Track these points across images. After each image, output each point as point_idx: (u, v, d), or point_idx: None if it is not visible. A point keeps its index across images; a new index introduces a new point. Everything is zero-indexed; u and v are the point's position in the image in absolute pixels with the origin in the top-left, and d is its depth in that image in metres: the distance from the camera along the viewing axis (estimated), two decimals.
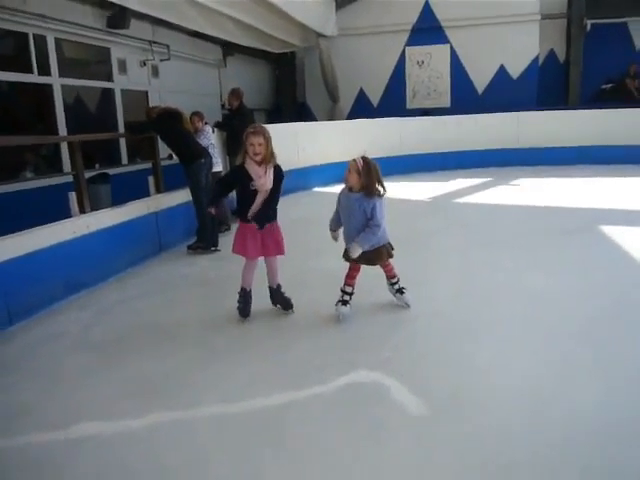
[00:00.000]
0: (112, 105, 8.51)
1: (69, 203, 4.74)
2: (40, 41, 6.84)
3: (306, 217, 7.11)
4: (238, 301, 3.77)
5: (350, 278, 3.68)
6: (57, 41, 7.14)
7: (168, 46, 9.41)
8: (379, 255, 3.60)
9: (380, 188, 3.48)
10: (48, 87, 7.09)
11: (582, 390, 2.68)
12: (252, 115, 7.54)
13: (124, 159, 8.51)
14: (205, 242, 5.65)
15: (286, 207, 7.73)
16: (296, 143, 9.76)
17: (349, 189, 3.53)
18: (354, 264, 3.66)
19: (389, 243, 3.66)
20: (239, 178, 3.58)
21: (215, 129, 7.05)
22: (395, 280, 3.79)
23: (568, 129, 11.39)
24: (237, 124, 7.07)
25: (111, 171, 7.58)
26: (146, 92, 9.26)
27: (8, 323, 3.81)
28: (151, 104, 8.97)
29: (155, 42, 9.12)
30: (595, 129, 11.25)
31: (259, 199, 3.56)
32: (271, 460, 2.27)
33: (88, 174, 5.60)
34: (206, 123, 6.56)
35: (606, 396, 2.62)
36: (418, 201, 8.24)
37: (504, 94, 13.12)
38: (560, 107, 12.36)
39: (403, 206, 7.56)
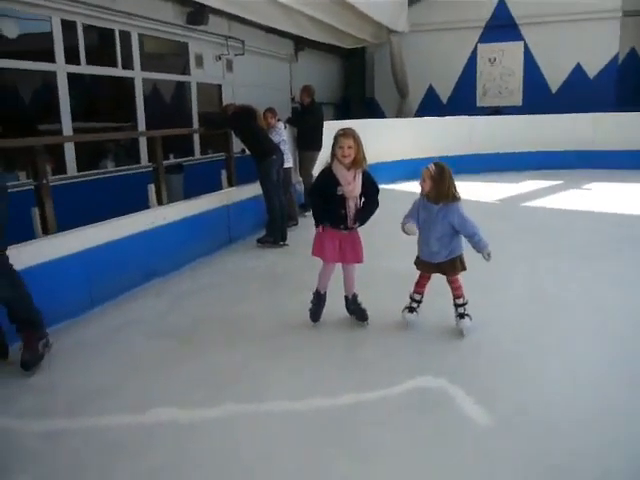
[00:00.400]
0: (188, 98, 8.82)
1: (148, 194, 4.97)
2: (125, 37, 7.18)
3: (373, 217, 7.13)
4: (311, 302, 3.67)
5: (420, 286, 3.62)
6: (140, 37, 7.46)
7: (243, 41, 9.63)
8: (453, 266, 3.45)
9: (455, 192, 3.39)
10: (130, 80, 7.44)
11: None
12: (322, 111, 7.61)
13: (197, 151, 8.81)
14: (274, 236, 5.79)
15: None
16: (364, 139, 9.75)
17: (426, 197, 3.42)
18: (424, 273, 3.59)
19: (462, 256, 3.48)
20: (326, 182, 3.42)
21: (286, 125, 7.17)
22: (461, 301, 3.52)
23: None
24: (308, 120, 7.19)
25: (184, 162, 7.88)
26: (219, 86, 9.52)
27: (90, 307, 4.06)
28: (224, 97, 9.26)
29: (231, 37, 9.35)
30: None
31: (351, 204, 3.43)
32: (335, 459, 2.33)
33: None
34: (279, 120, 6.69)
35: None
36: (487, 203, 8.08)
37: (580, 93, 12.61)
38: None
39: (471, 207, 7.42)
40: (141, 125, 7.63)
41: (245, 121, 5.77)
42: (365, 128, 9.62)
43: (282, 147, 6.21)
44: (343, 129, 3.38)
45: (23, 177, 5.66)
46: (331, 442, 2.45)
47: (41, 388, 3.00)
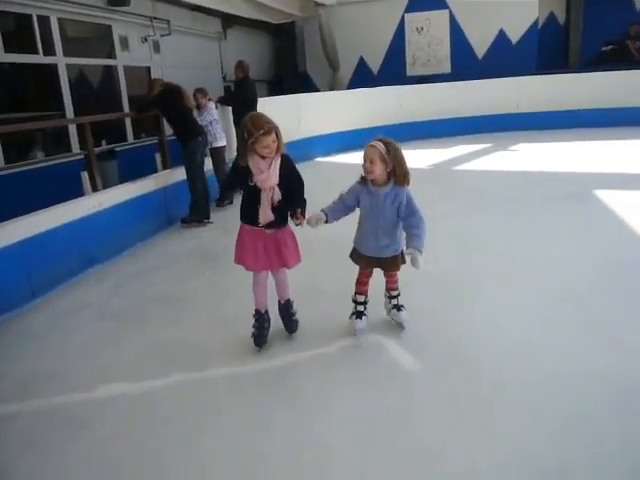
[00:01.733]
0: (116, 82, 8.66)
1: (82, 182, 4.97)
2: (44, 22, 6.97)
3: (308, 189, 7.31)
4: (253, 326, 3.17)
5: (362, 285, 3.19)
6: (60, 21, 7.25)
7: (168, 21, 9.49)
8: (396, 262, 3.05)
9: (408, 173, 2.87)
10: (53, 67, 7.25)
11: (568, 345, 2.94)
12: (255, 87, 7.66)
13: (130, 136, 8.69)
14: (198, 215, 5.91)
15: None
16: (297, 114, 9.89)
17: (372, 182, 2.87)
18: (364, 269, 3.15)
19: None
20: (239, 175, 2.93)
21: (218, 104, 7.20)
22: (396, 293, 3.23)
23: (568, 93, 11.45)
24: (242, 95, 7.22)
25: (117, 147, 7.78)
26: (148, 68, 9.37)
27: (31, 297, 4.08)
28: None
29: (156, 18, 9.19)
30: (595, 92, 11.30)
31: (265, 199, 2.88)
32: (278, 414, 2.54)
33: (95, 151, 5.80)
34: (209, 99, 6.71)
35: (589, 352, 2.88)
36: (417, 169, 8.34)
37: (504, 59, 13.10)
38: (560, 71, 12.37)
39: None
40: (69, 112, 7.46)
41: (170, 101, 5.75)
42: (299, 102, 9.95)
43: (214, 126, 6.27)
44: (263, 126, 2.77)
45: None
46: (273, 399, 2.66)
47: None
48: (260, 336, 3.14)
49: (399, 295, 3.25)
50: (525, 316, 3.33)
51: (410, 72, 14.24)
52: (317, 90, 13.96)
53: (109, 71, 8.66)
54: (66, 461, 2.33)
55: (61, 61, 7.33)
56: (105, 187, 5.26)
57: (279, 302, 3.28)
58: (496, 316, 3.35)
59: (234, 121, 7.41)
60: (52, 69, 7.26)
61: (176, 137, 5.84)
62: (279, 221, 2.96)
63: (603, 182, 6.59)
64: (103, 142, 7.88)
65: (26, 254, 4.05)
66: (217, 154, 6.67)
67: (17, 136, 6.58)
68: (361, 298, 3.22)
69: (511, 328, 3.19)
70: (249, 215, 2.96)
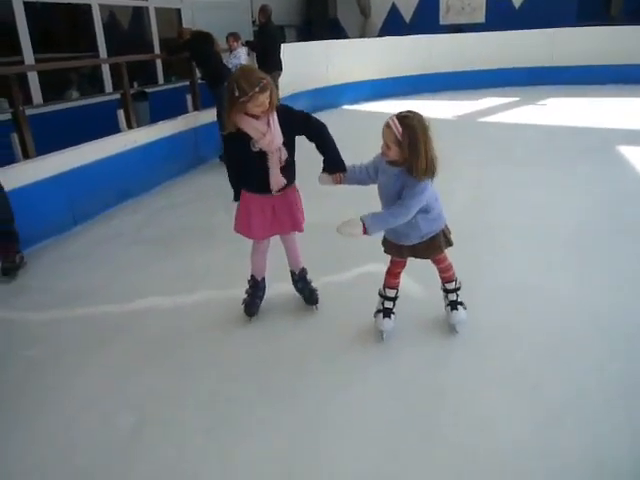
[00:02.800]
0: (147, 24, 8.78)
1: (117, 120, 5.23)
2: None
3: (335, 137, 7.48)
4: (246, 291, 2.94)
5: (393, 277, 2.66)
6: None
7: None
8: (433, 246, 2.50)
9: (429, 164, 2.25)
10: (87, 8, 7.41)
11: (561, 282, 3.16)
12: (279, 32, 7.71)
13: (160, 78, 8.87)
14: None
15: None
16: (326, 60, 9.91)
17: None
18: (397, 257, 2.61)
19: (446, 228, 2.54)
20: (235, 144, 2.58)
21: (249, 49, 7.31)
22: (453, 286, 2.67)
23: (607, 46, 11.12)
24: (264, 41, 7.32)
25: (148, 89, 7.99)
26: (179, 10, 9.44)
27: (73, 224, 4.43)
28: (184, 22, 9.22)
29: None
30: (635, 47, 10.98)
31: (274, 163, 2.55)
32: (297, 326, 2.84)
33: None
34: (242, 44, 6.84)
35: (580, 288, 3.10)
36: (443, 119, 8.44)
37: (542, 8, 12.75)
38: (600, 22, 11.99)
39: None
40: (102, 54, 7.66)
41: (200, 46, 5.95)
42: (328, 49, 9.96)
43: None
44: (258, 82, 2.39)
45: None
46: (293, 313, 2.96)
47: (35, 290, 3.44)
48: (252, 304, 2.91)
49: (458, 289, 2.68)
50: (523, 259, 3.51)
51: (443, 21, 13.99)
52: (347, 37, 13.85)
53: (140, 13, 8.77)
54: (105, 360, 2.67)
55: (95, 2, 7.48)
56: (139, 126, 5.52)
57: (292, 273, 2.99)
58: (499, 258, 3.55)
59: (259, 67, 7.55)
60: (86, 10, 7.42)
61: (205, 81, 6.02)
62: (288, 180, 2.64)
63: (629, 138, 6.60)
64: (135, 84, 8.09)
65: (69, 185, 4.37)
66: None
67: (53, 76, 6.84)
68: (391, 293, 2.67)
69: (510, 269, 3.39)
70: (256, 183, 2.61)
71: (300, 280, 2.99)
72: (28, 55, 6.35)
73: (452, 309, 2.68)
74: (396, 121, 2.22)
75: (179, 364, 2.60)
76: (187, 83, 6.66)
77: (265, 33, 7.39)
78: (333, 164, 2.55)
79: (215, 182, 5.61)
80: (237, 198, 2.75)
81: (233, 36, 6.71)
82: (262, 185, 2.60)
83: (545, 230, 3.94)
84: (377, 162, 2.45)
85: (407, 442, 2.05)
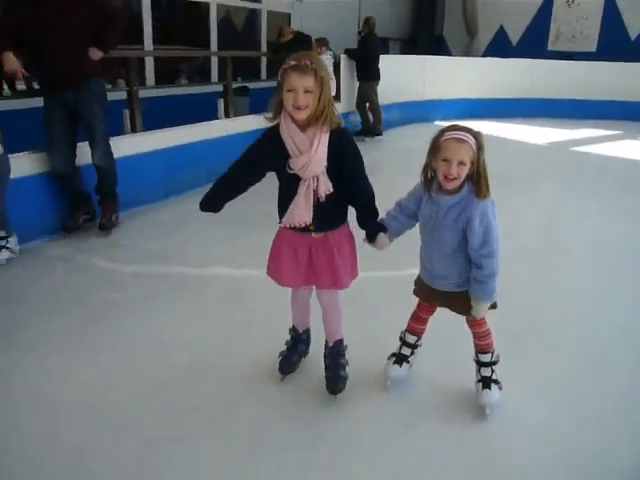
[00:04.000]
0: (257, 26, 9.34)
1: (217, 108, 5.68)
2: None
3: (419, 147, 7.62)
4: (286, 343, 2.43)
5: (417, 322, 2.29)
6: None
7: None
8: (467, 301, 2.06)
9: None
10: (205, 5, 8.03)
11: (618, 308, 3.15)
12: (380, 43, 7.97)
13: (263, 74, 9.40)
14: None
15: (399, 137, 8.30)
16: (423, 75, 10.06)
17: (441, 187, 1.97)
18: (426, 302, 2.24)
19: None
20: (268, 153, 2.01)
21: (335, 55, 7.64)
22: (488, 359, 2.18)
23: None
24: (363, 50, 7.65)
25: (251, 85, 8.50)
26: (289, 15, 9.94)
27: (164, 196, 4.89)
28: (292, 26, 9.70)
29: None
30: None
31: (302, 190, 1.97)
32: (357, 313, 3.04)
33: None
34: (329, 50, 7.18)
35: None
36: (534, 144, 8.36)
37: None
38: None
39: (513, 148, 7.81)
40: (213, 49, 8.26)
41: (299, 46, 6.29)
42: (426, 64, 10.09)
43: None
44: (297, 57, 1.88)
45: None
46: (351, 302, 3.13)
47: (124, 246, 3.94)
48: (288, 361, 2.36)
49: (494, 363, 2.19)
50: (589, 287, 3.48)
51: (551, 47, 13.69)
52: (450, 55, 13.88)
53: (253, 15, 9.33)
54: (178, 312, 3.02)
55: (213, 1, 8.09)
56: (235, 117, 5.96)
57: (325, 342, 2.32)
58: (570, 280, 3.55)
59: (358, 76, 7.88)
60: (204, 8, 8.04)
61: None
62: (330, 221, 2.05)
63: None
64: (239, 78, 8.62)
65: (165, 160, 4.84)
66: None
67: (167, 64, 7.48)
68: (412, 339, 2.31)
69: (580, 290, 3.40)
70: (283, 209, 2.07)
71: (330, 356, 2.27)
72: (148, 44, 7.00)
73: (484, 387, 2.16)
74: (469, 135, 1.89)
75: (240, 321, 2.91)
76: None
77: (367, 43, 7.71)
78: (365, 222, 2.10)
79: None
80: (207, 208, 2.17)
81: (319, 41, 7.07)
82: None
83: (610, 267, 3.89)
84: (417, 193, 2.09)
85: None
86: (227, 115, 5.70)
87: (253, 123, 5.91)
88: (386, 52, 9.68)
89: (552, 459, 1.99)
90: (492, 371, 2.19)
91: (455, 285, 2.06)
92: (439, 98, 10.34)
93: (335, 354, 2.28)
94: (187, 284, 3.34)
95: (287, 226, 2.07)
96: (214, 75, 8.18)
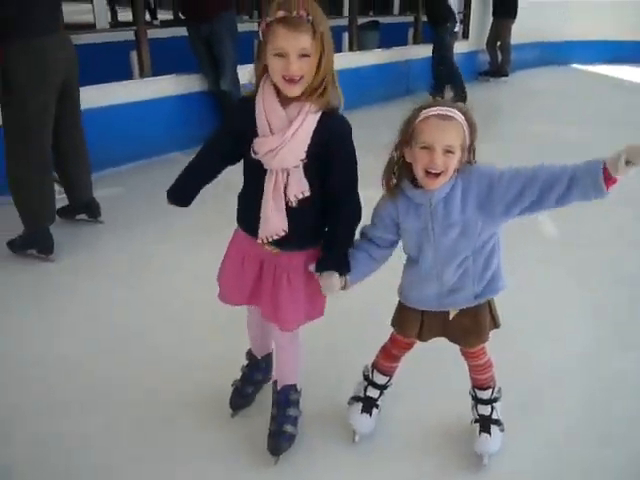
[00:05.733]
0: None
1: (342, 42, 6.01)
2: None
3: (546, 90, 7.46)
4: (241, 369, 1.88)
5: (389, 359, 1.75)
6: None
7: None
8: (477, 323, 1.59)
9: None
10: None
11: None
12: None
13: (395, 9, 9.43)
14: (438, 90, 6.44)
15: (526, 79, 8.00)
16: (564, 14, 9.44)
17: (414, 181, 1.45)
18: (407, 335, 1.66)
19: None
20: (236, 129, 1.50)
21: None
22: (488, 395, 1.70)
23: None
24: None
25: (382, 19, 8.64)
26: None
27: None
28: None
29: None
30: None
31: (268, 187, 1.42)
32: None
33: (361, 20, 6.78)
34: None
35: None
36: None
37: None
38: None
39: None
40: None
41: None
42: (569, 2, 9.34)
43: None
44: (286, 1, 1.29)
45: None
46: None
47: None
48: (239, 394, 1.86)
49: (495, 400, 1.71)
50: None
51: None
52: None
53: None
54: None
55: None
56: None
57: (274, 384, 1.77)
58: None
59: (493, 11, 7.73)
60: None
61: (429, 20, 6.45)
62: (295, 235, 1.47)
63: None
64: (370, 13, 8.76)
65: None
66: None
67: None
68: (381, 379, 1.77)
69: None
70: (246, 215, 1.56)
71: (277, 404, 1.73)
72: None
73: (481, 430, 1.68)
74: (455, 110, 1.37)
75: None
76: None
77: None
78: (340, 262, 1.50)
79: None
80: (177, 200, 1.56)
81: None
82: (252, 221, 1.49)
83: None
84: (386, 210, 1.50)
85: None
86: (351, 48, 6.00)
87: (377, 57, 6.21)
88: None
89: None
90: (492, 409, 1.71)
91: (473, 298, 1.54)
92: (579, 39, 9.69)
93: (283, 402, 1.72)
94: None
95: (242, 228, 1.59)
96: (345, 9, 8.41)
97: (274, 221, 1.44)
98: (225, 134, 1.56)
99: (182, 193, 1.58)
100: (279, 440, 1.67)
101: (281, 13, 1.26)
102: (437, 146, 1.33)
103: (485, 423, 1.69)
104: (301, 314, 1.58)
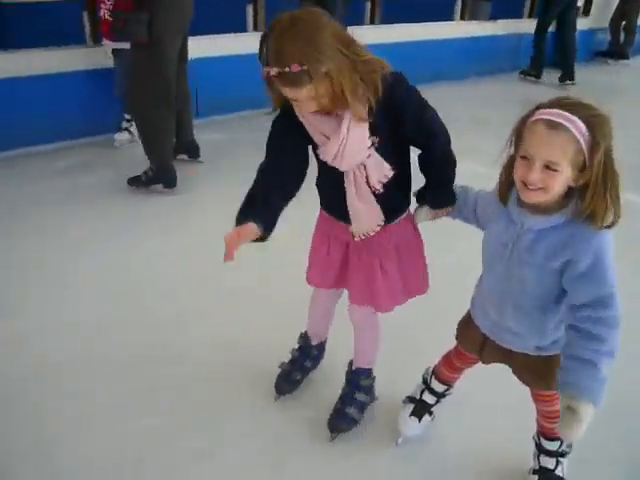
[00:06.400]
0: None
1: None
2: None
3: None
4: (290, 352, 1.91)
5: (451, 369, 1.66)
6: None
7: None
8: (547, 369, 1.34)
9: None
10: None
11: None
12: None
13: None
14: (535, 70, 6.21)
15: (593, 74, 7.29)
16: None
17: (522, 201, 1.22)
18: (471, 352, 1.55)
19: None
20: (291, 135, 1.42)
21: None
22: (554, 447, 1.51)
23: None
24: None
25: None
26: None
27: None
28: None
29: None
30: None
31: (350, 189, 1.42)
32: None
33: None
34: None
35: None
36: None
37: None
38: None
39: None
40: None
41: None
42: None
43: None
44: (276, 54, 1.20)
45: None
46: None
47: None
48: (287, 379, 1.87)
49: (563, 454, 1.52)
50: None
51: None
52: None
53: None
54: None
55: None
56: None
57: (349, 363, 1.79)
58: None
59: None
60: None
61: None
62: (389, 213, 1.48)
63: None
64: None
65: (395, 54, 5.26)
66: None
67: None
68: (439, 387, 1.70)
69: None
70: (332, 205, 1.56)
71: (348, 383, 1.77)
72: None
73: None
74: (573, 117, 1.08)
75: None
76: None
77: None
78: (443, 198, 1.49)
79: (508, 89, 5.90)
80: (243, 221, 1.32)
81: None
82: (335, 204, 1.50)
83: None
84: (487, 201, 1.39)
85: None
86: (462, 17, 5.87)
87: (488, 28, 6.02)
88: None
89: None
90: (557, 463, 1.51)
91: (533, 348, 1.36)
92: None
93: (353, 384, 1.74)
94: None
95: (325, 212, 1.59)
96: None
97: (367, 218, 1.45)
98: (281, 140, 1.44)
99: (264, 220, 1.35)
100: (338, 420, 1.71)
101: (276, 70, 1.19)
102: (536, 159, 1.11)
103: (546, 477, 1.50)
104: (397, 297, 1.58)
